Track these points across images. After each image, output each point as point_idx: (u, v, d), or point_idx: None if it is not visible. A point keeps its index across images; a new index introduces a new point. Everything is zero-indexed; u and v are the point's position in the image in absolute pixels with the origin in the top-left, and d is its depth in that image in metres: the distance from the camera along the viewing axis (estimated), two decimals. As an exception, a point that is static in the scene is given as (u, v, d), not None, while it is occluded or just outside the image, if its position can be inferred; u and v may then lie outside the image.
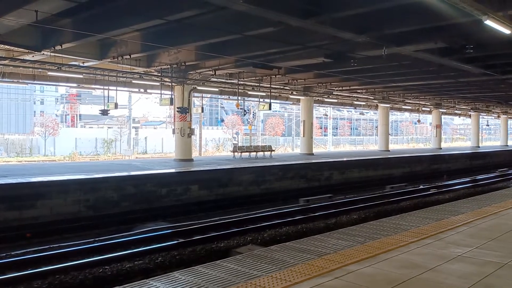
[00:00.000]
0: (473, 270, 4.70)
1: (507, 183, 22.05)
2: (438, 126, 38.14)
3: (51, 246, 9.32)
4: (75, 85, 20.22)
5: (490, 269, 4.73)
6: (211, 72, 18.70)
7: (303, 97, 25.85)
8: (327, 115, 46.10)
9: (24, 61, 15.04)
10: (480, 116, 45.35)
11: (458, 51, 13.12)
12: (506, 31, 8.89)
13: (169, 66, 17.14)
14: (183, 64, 16.62)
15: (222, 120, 57.40)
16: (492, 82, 21.10)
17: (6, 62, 15.13)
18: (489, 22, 8.13)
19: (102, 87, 19.46)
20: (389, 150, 32.55)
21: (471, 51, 12.55)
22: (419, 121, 47.91)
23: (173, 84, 18.76)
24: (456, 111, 41.15)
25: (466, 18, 8.79)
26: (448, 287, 4.22)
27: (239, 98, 23.37)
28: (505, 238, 6.09)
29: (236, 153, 22.80)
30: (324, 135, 56.90)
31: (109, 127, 47.02)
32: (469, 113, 41.81)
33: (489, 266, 4.82)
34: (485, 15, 7.86)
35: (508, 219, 7.45)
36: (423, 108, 37.30)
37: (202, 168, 16.54)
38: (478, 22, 8.37)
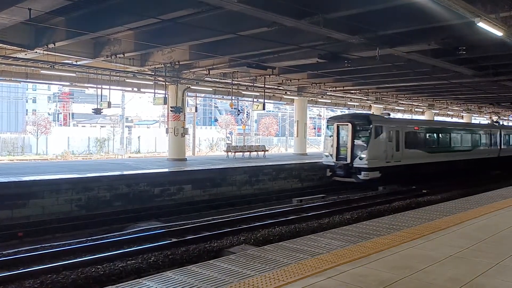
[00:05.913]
0: (464, 270, 4.73)
1: (498, 184, 22.19)
2: (431, 127, 38.29)
3: (43, 245, 9.27)
4: (68, 83, 20.14)
5: (481, 269, 4.76)
6: (205, 72, 18.69)
7: (297, 97, 25.90)
8: (320, 116, 46.26)
9: (16, 59, 14.94)
10: (473, 117, 45.66)
11: (451, 53, 13.24)
12: (498, 33, 8.96)
13: (163, 66, 17.10)
14: (177, 63, 16.59)
15: (216, 120, 57.37)
16: (484, 84, 21.25)
17: (-2, 60, 15.03)
18: (481, 24, 8.20)
19: (95, 86, 19.38)
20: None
21: (464, 52, 12.67)
22: (412, 122, 48.09)
23: (166, 83, 18.72)
24: (448, 112, 41.42)
25: (459, 20, 8.88)
26: (439, 287, 4.25)
27: (233, 98, 23.37)
28: (496, 239, 6.14)
29: (229, 153, 22.80)
30: (318, 135, 57.03)
31: (102, 126, 46.81)
32: (462, 114, 42.08)
33: (480, 266, 4.85)
34: (477, 17, 7.92)
35: (499, 220, 7.50)
36: (416, 109, 37.51)
37: (195, 168, 16.52)
38: (471, 24, 8.45)
